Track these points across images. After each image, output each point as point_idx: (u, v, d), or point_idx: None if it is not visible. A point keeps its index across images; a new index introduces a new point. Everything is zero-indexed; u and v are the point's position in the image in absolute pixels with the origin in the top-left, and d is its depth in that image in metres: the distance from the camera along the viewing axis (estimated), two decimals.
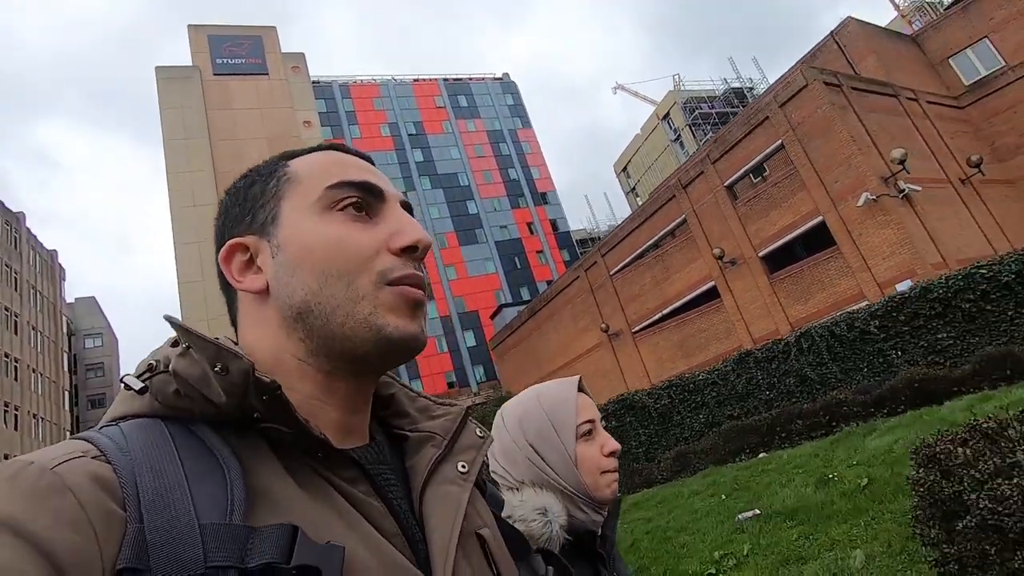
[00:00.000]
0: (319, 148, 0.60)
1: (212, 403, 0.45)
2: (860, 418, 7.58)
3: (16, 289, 33.96)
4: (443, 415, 0.61)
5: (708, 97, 49.19)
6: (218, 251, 0.56)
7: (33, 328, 35.35)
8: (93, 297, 52.60)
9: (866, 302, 12.65)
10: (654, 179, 48.79)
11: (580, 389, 1.12)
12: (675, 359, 19.77)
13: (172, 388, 0.46)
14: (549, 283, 38.34)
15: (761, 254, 16.58)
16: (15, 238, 35.10)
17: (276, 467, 0.46)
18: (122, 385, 0.49)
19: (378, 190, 0.56)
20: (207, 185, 41.44)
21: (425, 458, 0.56)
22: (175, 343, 0.49)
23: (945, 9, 22.01)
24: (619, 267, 22.03)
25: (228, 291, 0.57)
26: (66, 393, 39.27)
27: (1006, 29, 19.10)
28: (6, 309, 32.40)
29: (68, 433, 37.98)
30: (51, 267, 40.03)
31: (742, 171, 16.91)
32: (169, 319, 0.49)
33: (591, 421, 1.08)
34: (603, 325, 22.44)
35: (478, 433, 0.62)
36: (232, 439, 0.45)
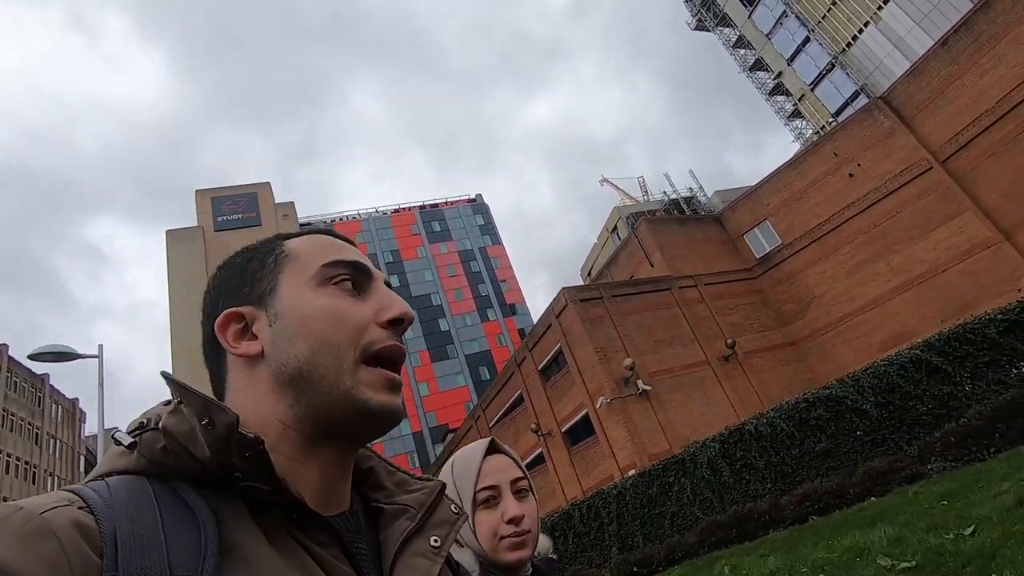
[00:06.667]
0: (309, 232, 0.67)
1: (196, 460, 0.49)
2: None
3: (36, 443, 40.05)
4: (419, 489, 0.64)
5: (649, 212, 53.80)
6: (210, 319, 0.61)
7: (50, 474, 41.09)
8: (116, 427, 58.79)
9: (613, 483, 16.08)
10: None
11: (495, 451, 1.16)
12: None
13: (160, 445, 0.50)
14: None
15: (563, 429, 20.20)
16: (39, 397, 41.65)
17: (251, 526, 0.49)
18: (112, 440, 0.52)
19: (367, 269, 0.64)
20: None
21: (398, 531, 0.59)
22: (168, 403, 0.53)
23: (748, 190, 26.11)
24: (494, 421, 25.81)
25: (215, 358, 0.61)
26: None
27: (778, 214, 23.02)
28: (26, 463, 38.31)
29: None
30: (72, 414, 46.43)
31: (546, 360, 20.89)
32: (164, 374, 0.55)
33: (493, 487, 1.10)
34: None
35: (453, 509, 0.64)
36: (212, 498, 0.49)
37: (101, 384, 7.80)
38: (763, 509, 7.47)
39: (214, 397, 0.53)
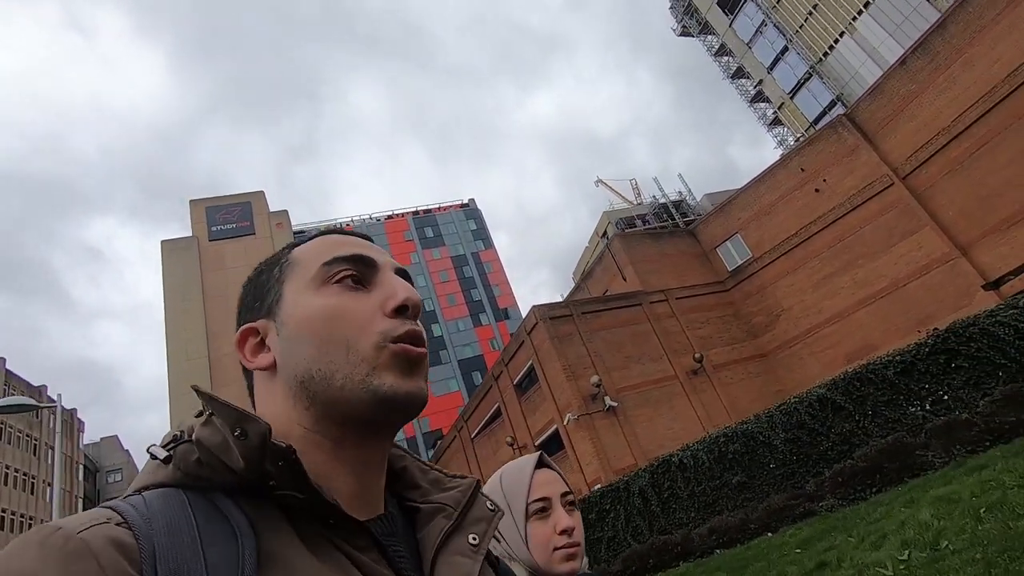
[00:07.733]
0: (316, 235, 0.66)
1: (231, 471, 0.49)
2: None
3: (35, 454, 40.78)
4: (454, 487, 0.64)
5: (640, 216, 54.21)
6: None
7: (49, 484, 41.80)
8: (115, 436, 59.96)
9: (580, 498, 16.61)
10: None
11: (543, 465, 1.18)
12: None
13: (194, 457, 0.50)
14: None
15: (536, 443, 20.72)
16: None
17: (289, 534, 0.49)
18: (148, 455, 0.52)
19: (370, 260, 0.62)
20: (200, 342, 48.49)
21: (436, 529, 0.59)
22: (200, 415, 0.53)
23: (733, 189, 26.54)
24: (476, 432, 26.37)
25: (247, 374, 0.62)
26: None
27: (749, 228, 23.49)
28: (24, 474, 39.04)
29: None
30: (69, 424, 47.11)
31: (519, 376, 21.43)
32: (195, 388, 0.54)
33: (545, 499, 1.12)
34: None
35: (488, 506, 0.64)
36: (248, 507, 0.49)
37: (61, 431, 8.37)
38: (677, 541, 8.00)
39: (244, 408, 0.53)
